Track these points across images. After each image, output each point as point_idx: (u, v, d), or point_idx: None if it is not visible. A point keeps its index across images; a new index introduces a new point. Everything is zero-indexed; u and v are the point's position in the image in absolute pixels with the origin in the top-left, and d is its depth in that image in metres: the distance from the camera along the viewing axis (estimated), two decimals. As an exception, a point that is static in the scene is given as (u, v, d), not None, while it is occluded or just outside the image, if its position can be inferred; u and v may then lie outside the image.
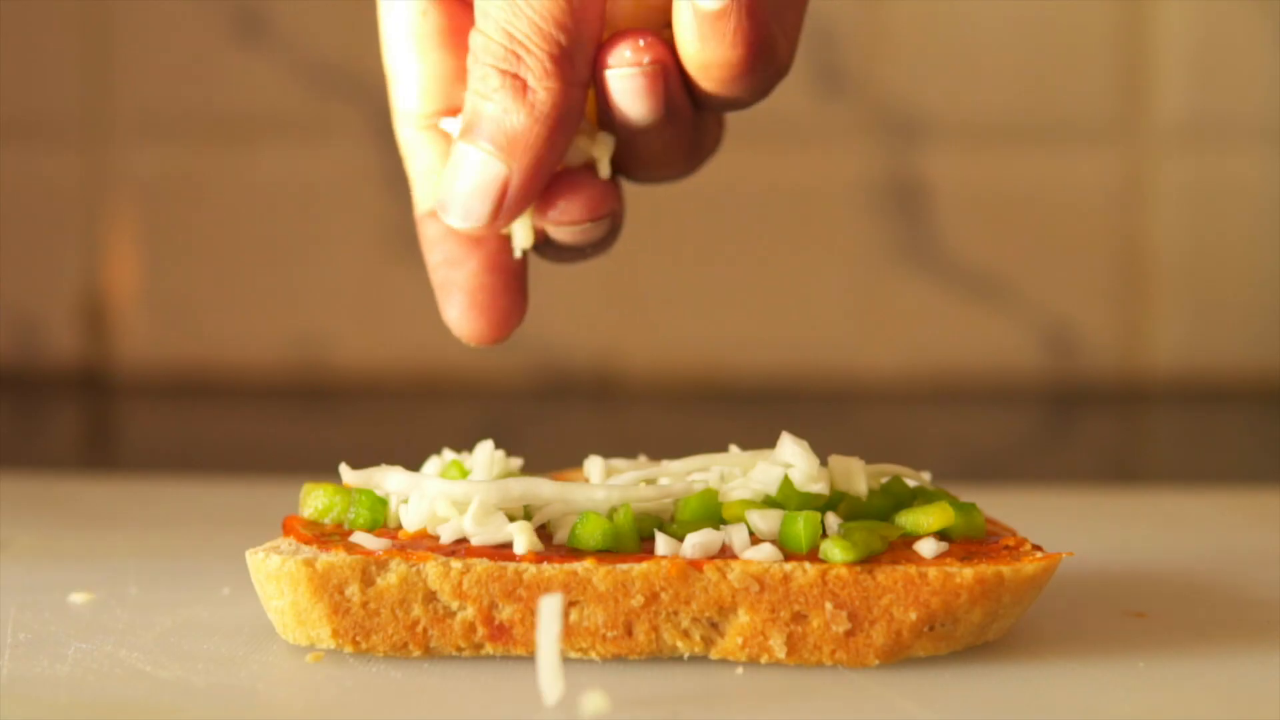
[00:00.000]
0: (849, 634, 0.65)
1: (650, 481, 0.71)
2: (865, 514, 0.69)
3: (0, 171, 1.59)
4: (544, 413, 1.47)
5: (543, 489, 0.68)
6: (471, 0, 0.74)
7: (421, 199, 0.76)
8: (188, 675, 0.64)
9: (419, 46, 0.75)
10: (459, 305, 0.74)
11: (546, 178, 0.71)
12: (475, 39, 0.69)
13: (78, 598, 0.74)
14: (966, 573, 0.64)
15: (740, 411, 1.51)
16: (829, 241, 1.56)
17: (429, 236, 0.75)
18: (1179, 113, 1.54)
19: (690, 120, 0.72)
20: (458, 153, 0.70)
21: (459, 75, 0.74)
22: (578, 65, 0.69)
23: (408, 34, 0.74)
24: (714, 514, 0.67)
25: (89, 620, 0.71)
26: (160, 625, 0.70)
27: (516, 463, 0.75)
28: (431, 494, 0.69)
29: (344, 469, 0.71)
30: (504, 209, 0.70)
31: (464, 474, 0.74)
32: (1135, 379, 1.56)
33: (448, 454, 0.75)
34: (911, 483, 0.71)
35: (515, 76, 0.68)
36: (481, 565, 0.65)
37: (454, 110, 0.75)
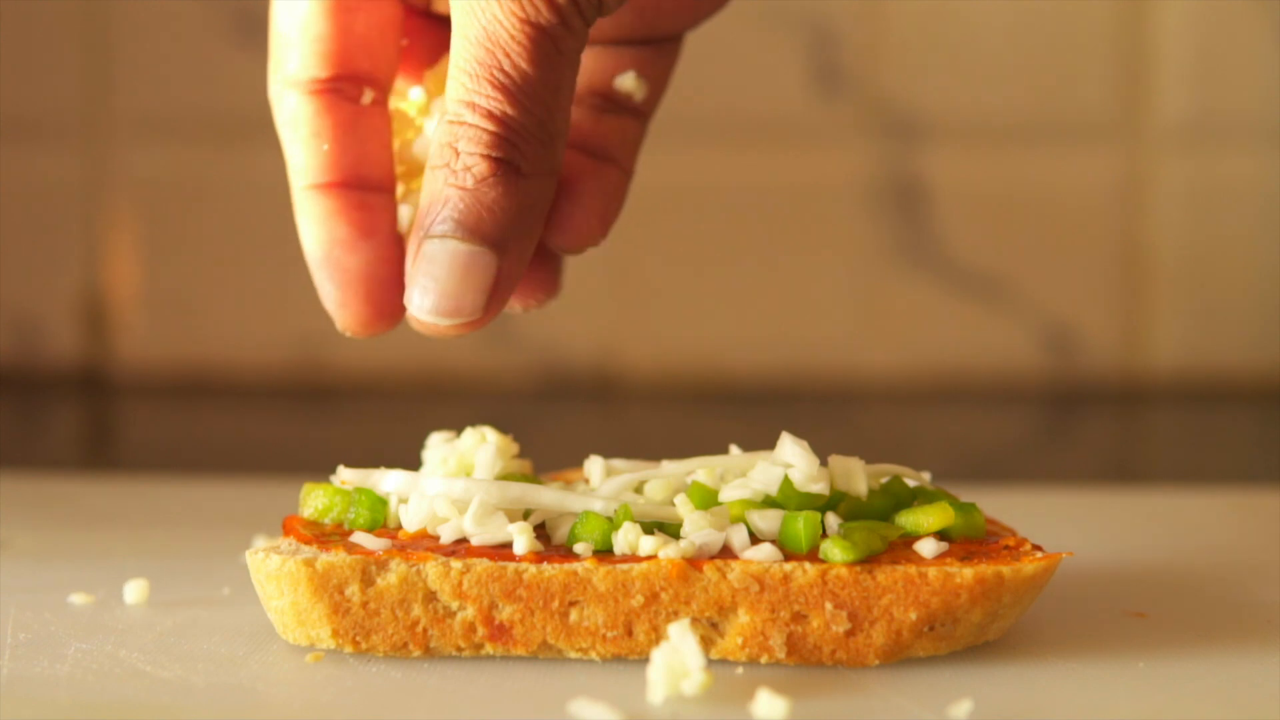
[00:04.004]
0: (849, 634, 0.65)
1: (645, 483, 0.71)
2: (865, 514, 0.69)
3: (0, 171, 1.59)
4: (544, 413, 1.47)
5: (542, 496, 0.68)
6: None
7: (303, 169, 0.72)
8: (188, 675, 0.64)
9: (324, 8, 0.72)
10: (345, 290, 0.72)
11: (526, 265, 0.70)
12: (459, 130, 0.67)
13: (78, 598, 0.74)
14: (966, 573, 0.65)
15: (740, 411, 1.51)
16: (829, 241, 1.56)
17: (314, 211, 0.72)
18: (1179, 113, 1.54)
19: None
20: (431, 249, 0.68)
21: (361, 43, 0.72)
22: (560, 151, 0.68)
23: None
24: (714, 513, 0.67)
25: (89, 620, 0.71)
26: (160, 625, 0.70)
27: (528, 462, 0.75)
28: (431, 494, 0.69)
29: (341, 470, 0.71)
30: (496, 299, 0.68)
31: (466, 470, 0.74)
32: (1135, 379, 1.56)
33: (436, 437, 0.75)
34: (911, 483, 0.71)
35: (509, 164, 0.67)
36: (481, 565, 0.65)
37: (349, 78, 0.72)
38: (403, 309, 0.72)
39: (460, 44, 0.67)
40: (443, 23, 0.75)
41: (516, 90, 0.66)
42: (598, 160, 0.75)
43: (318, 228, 0.72)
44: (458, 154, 0.67)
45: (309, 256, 0.72)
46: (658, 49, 0.76)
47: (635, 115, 0.77)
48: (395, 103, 0.76)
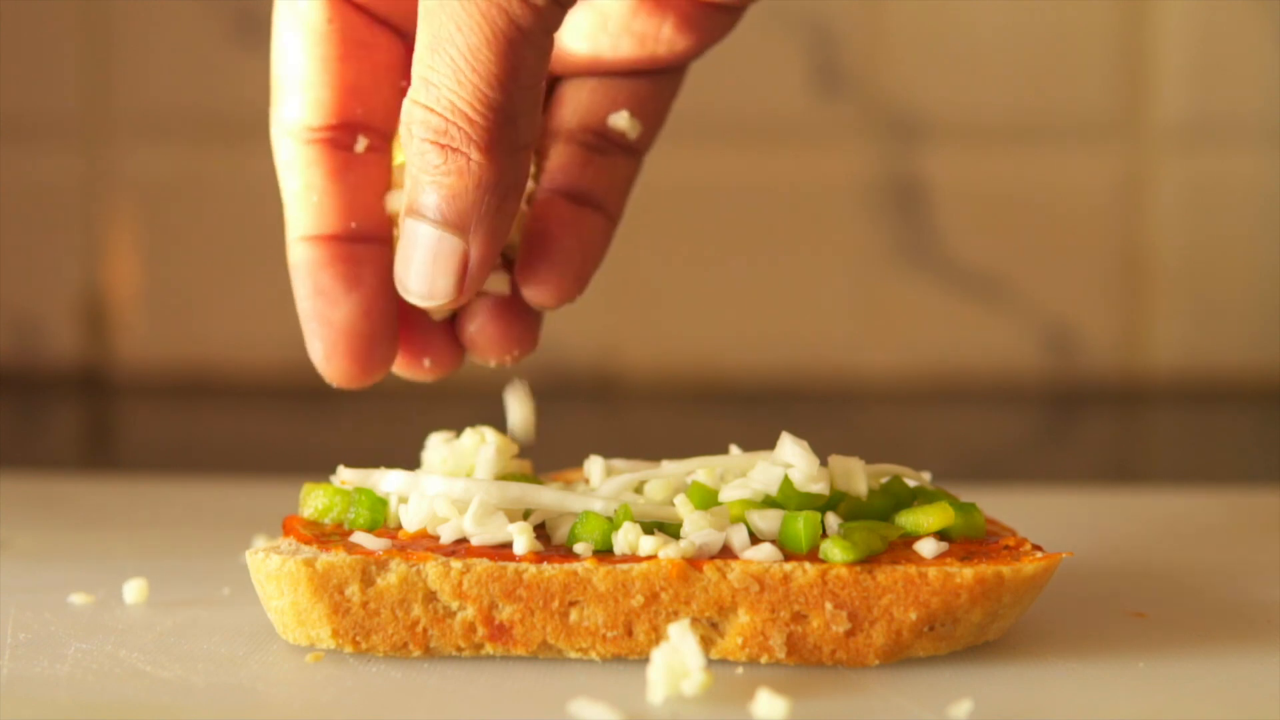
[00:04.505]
0: (849, 634, 0.65)
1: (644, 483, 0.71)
2: (865, 514, 0.69)
3: (0, 171, 1.59)
4: (544, 413, 1.47)
5: (542, 496, 0.68)
6: (376, 12, 0.72)
7: (296, 221, 0.72)
8: (188, 675, 0.64)
9: (320, 55, 0.71)
10: (329, 344, 0.72)
11: (504, 241, 0.69)
12: (414, 111, 0.66)
13: (77, 598, 0.74)
14: (966, 573, 0.64)
15: (740, 411, 1.51)
16: (829, 241, 1.56)
17: (302, 263, 0.72)
18: (1179, 113, 1.54)
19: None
20: (409, 229, 0.68)
21: (357, 89, 0.72)
22: (521, 129, 0.67)
23: (309, 40, 0.71)
24: (714, 513, 0.67)
25: (89, 620, 0.71)
26: (160, 625, 0.70)
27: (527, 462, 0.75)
28: (431, 494, 0.69)
29: (341, 470, 0.71)
30: (468, 282, 0.68)
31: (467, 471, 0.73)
32: (1135, 379, 1.56)
33: (436, 438, 0.75)
34: (911, 483, 0.71)
35: (457, 151, 0.66)
36: (481, 565, 0.65)
37: (345, 126, 0.72)
38: (388, 363, 0.73)
39: (420, 22, 0.66)
40: None
41: (470, 71, 0.65)
42: (581, 206, 0.74)
43: (304, 280, 0.72)
44: (413, 137, 0.67)
45: (298, 308, 0.72)
46: (656, 83, 0.75)
47: (629, 153, 0.75)
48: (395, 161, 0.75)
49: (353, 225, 0.72)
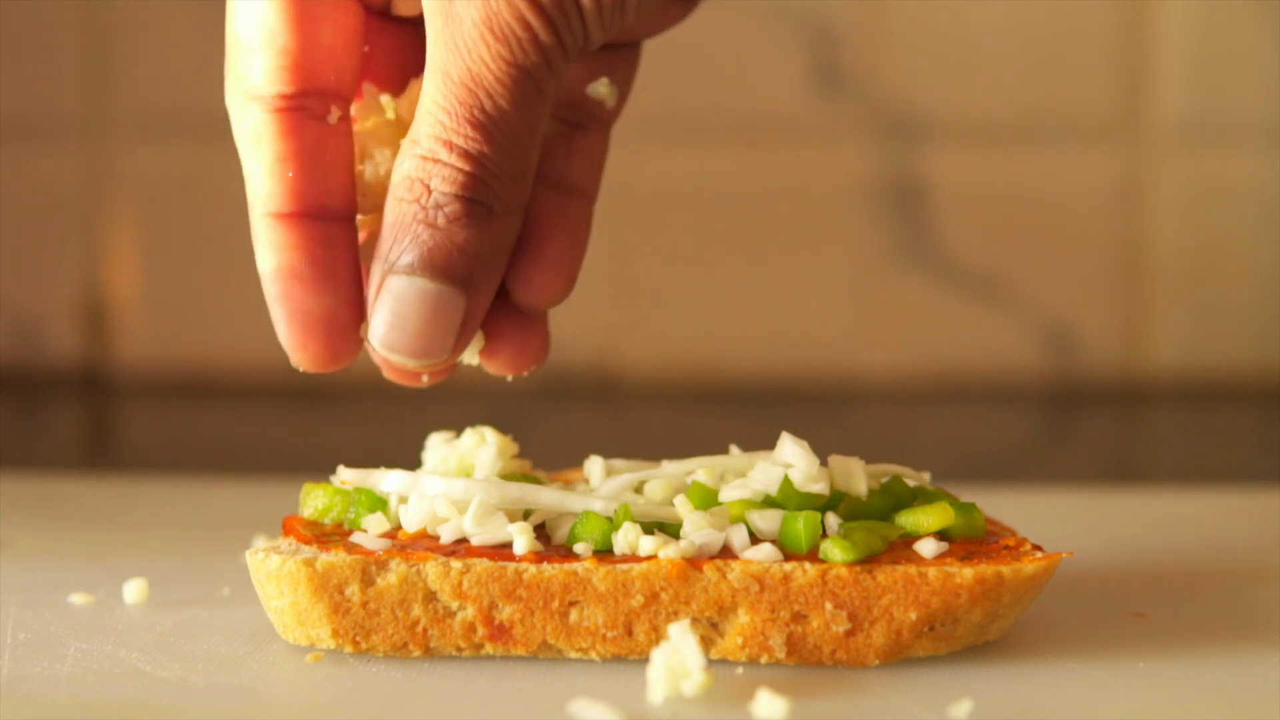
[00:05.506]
0: (849, 634, 0.65)
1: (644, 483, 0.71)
2: (865, 514, 0.69)
3: (0, 171, 1.59)
4: (544, 413, 1.47)
5: (542, 496, 0.68)
6: None
7: (266, 196, 0.69)
8: (188, 675, 0.64)
9: (292, 15, 0.68)
10: (302, 331, 0.69)
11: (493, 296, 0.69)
12: (431, 168, 0.66)
13: (77, 598, 0.74)
14: (966, 573, 0.65)
15: (740, 411, 1.51)
16: (829, 241, 1.56)
17: (274, 244, 0.68)
18: (1179, 113, 1.53)
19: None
20: (404, 285, 0.66)
21: (329, 54, 0.69)
22: (530, 186, 0.68)
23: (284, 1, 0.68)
24: (714, 513, 0.67)
25: (89, 620, 0.71)
26: (160, 625, 0.70)
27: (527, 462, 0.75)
28: (431, 494, 0.69)
29: (341, 470, 0.71)
30: (463, 338, 0.67)
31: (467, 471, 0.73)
32: (1135, 379, 1.56)
33: (436, 438, 0.75)
34: (911, 483, 0.71)
35: (483, 205, 0.66)
36: (481, 565, 0.65)
37: (317, 93, 0.69)
38: (359, 347, 0.70)
39: (440, 80, 0.65)
40: (404, 26, 0.73)
41: (495, 130, 0.65)
42: (564, 194, 0.73)
43: (278, 261, 0.68)
44: (429, 191, 0.66)
45: (266, 289, 0.69)
46: (620, 54, 0.75)
47: (603, 127, 0.75)
48: (358, 127, 0.72)
49: (327, 202, 0.69)
